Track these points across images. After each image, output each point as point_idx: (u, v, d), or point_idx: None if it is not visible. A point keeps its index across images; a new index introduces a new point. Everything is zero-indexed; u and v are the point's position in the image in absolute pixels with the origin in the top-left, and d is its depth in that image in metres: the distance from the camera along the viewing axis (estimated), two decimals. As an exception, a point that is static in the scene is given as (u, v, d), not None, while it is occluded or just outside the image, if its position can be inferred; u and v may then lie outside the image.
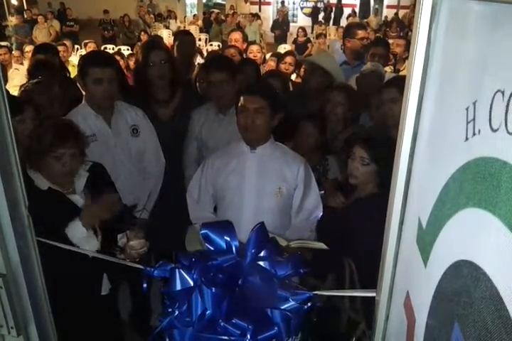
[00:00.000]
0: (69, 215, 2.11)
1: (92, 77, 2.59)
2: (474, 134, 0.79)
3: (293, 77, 4.84)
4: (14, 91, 3.61)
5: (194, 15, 18.06)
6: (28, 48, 6.71)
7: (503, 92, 0.69)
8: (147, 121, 2.86)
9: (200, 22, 16.07)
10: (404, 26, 13.35)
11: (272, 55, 5.67)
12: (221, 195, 2.42)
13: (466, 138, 0.82)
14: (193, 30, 13.01)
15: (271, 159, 2.36)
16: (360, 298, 2.03)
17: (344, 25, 12.44)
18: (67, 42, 6.96)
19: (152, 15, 15.92)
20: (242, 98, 2.30)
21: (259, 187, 2.33)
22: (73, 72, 5.20)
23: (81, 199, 2.16)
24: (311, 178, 2.42)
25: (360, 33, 4.24)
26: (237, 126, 2.37)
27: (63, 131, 2.06)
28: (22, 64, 6.43)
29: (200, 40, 12.69)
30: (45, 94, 2.96)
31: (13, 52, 7.39)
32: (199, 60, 5.48)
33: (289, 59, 4.36)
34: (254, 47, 5.06)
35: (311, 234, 2.36)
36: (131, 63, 5.88)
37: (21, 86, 3.24)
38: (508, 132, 0.66)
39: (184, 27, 14.82)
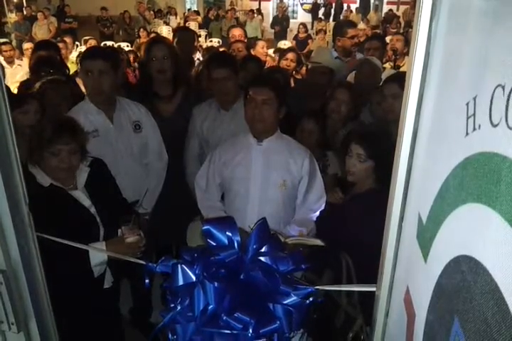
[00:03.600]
0: (71, 211, 2.12)
1: (83, 69, 2.63)
2: (474, 129, 0.79)
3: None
4: (16, 88, 3.62)
5: (194, 11, 18.00)
6: (27, 45, 6.75)
7: (503, 87, 0.69)
8: (150, 117, 2.85)
9: (199, 18, 16.03)
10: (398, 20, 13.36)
11: (274, 51, 5.68)
12: (228, 185, 2.48)
13: (467, 134, 0.82)
14: (193, 26, 12.98)
15: (276, 152, 2.41)
16: (357, 294, 2.04)
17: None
18: (68, 39, 6.95)
19: (152, 12, 15.88)
20: (250, 90, 2.35)
21: (265, 180, 2.38)
22: (72, 68, 5.20)
23: (83, 194, 2.17)
24: (316, 170, 2.47)
25: (351, 32, 4.25)
26: (244, 118, 2.41)
27: (60, 127, 2.06)
28: (22, 60, 6.44)
29: (200, 36, 12.66)
30: (57, 90, 2.98)
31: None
32: (198, 55, 5.48)
33: (290, 55, 4.35)
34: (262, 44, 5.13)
35: (313, 225, 2.39)
36: (131, 59, 5.87)
37: (23, 82, 3.23)
38: (509, 127, 0.66)
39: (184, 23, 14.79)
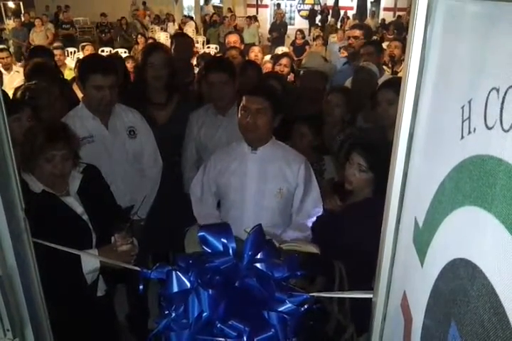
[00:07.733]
0: (63, 218, 2.10)
1: (93, 84, 2.57)
2: (470, 132, 0.79)
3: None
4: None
5: (188, 16, 18.03)
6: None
7: (497, 90, 0.69)
8: (144, 122, 2.84)
9: (193, 23, 16.07)
10: (403, 28, 13.39)
11: (271, 58, 5.69)
12: (223, 194, 2.45)
13: (462, 137, 0.82)
14: (190, 32, 13.04)
15: (272, 160, 2.37)
16: (348, 302, 2.02)
17: (340, 28, 12.67)
18: (57, 44, 6.93)
19: (148, 18, 15.93)
20: (244, 98, 2.31)
21: (261, 188, 2.35)
22: (69, 75, 5.19)
23: (75, 201, 2.15)
24: (312, 177, 2.43)
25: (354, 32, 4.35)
26: (238, 126, 2.37)
27: (53, 133, 2.05)
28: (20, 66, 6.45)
29: (197, 42, 12.71)
30: (45, 95, 2.96)
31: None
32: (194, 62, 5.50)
33: (284, 61, 4.35)
34: (256, 49, 5.11)
35: (309, 232, 2.37)
36: (129, 65, 5.87)
37: (17, 88, 3.22)
38: (503, 129, 0.66)
39: (182, 30, 14.84)
